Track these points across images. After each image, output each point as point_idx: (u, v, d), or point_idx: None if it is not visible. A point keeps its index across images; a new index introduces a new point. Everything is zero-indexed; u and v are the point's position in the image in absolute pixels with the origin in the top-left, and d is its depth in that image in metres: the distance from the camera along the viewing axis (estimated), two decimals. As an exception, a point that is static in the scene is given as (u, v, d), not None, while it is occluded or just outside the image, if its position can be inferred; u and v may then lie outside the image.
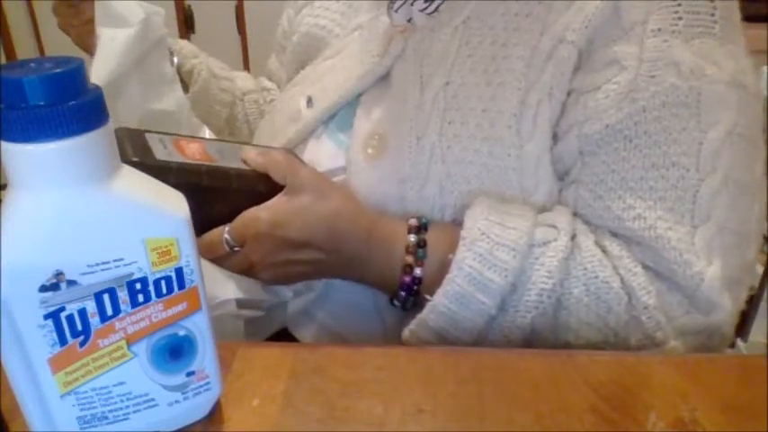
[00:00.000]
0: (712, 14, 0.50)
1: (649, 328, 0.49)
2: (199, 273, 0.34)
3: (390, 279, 0.54)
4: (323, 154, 0.61)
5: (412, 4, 0.59)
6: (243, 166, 0.54)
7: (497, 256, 0.49)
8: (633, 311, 0.49)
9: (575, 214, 0.54)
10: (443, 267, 0.50)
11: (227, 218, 0.52)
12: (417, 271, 0.52)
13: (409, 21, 0.60)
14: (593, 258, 0.50)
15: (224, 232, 0.52)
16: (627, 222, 0.51)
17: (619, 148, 0.51)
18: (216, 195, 0.52)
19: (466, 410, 0.39)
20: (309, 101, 0.65)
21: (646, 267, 0.50)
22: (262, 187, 0.53)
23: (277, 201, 0.53)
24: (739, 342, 1.46)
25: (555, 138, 0.54)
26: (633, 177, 0.50)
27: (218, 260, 0.53)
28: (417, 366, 0.43)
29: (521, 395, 0.40)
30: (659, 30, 0.50)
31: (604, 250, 0.51)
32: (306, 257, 0.52)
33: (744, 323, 1.42)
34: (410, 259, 0.53)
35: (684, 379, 0.42)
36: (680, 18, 0.50)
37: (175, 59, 0.76)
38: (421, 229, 0.53)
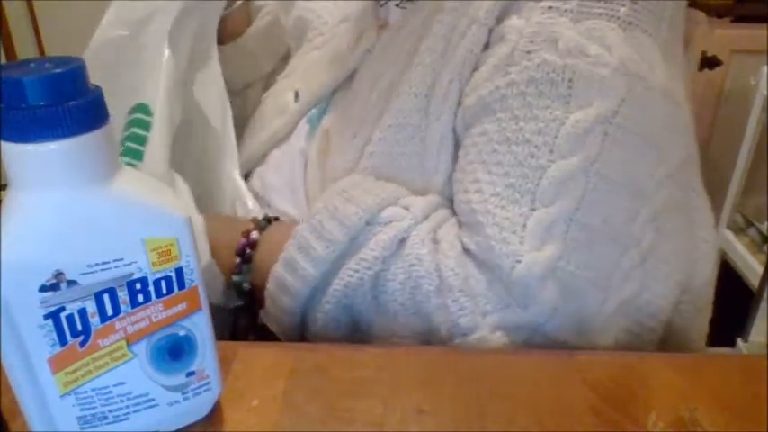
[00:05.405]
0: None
1: (454, 312, 0.46)
2: (199, 273, 0.34)
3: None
4: (298, 136, 0.62)
5: None
6: None
7: (326, 227, 0.49)
8: (442, 296, 0.47)
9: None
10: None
11: None
12: (254, 234, 0.53)
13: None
14: (421, 243, 0.48)
15: None
16: (470, 195, 0.49)
17: (484, 122, 0.49)
18: None
19: (466, 410, 0.39)
20: (296, 95, 0.65)
21: (471, 256, 0.48)
22: None
23: None
24: (739, 342, 1.46)
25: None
26: (487, 150, 0.49)
27: None
28: (417, 366, 0.43)
29: (521, 395, 0.40)
30: (550, 7, 0.48)
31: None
32: None
33: (744, 323, 1.42)
34: (250, 226, 0.54)
35: (684, 379, 0.42)
36: None
37: None
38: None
